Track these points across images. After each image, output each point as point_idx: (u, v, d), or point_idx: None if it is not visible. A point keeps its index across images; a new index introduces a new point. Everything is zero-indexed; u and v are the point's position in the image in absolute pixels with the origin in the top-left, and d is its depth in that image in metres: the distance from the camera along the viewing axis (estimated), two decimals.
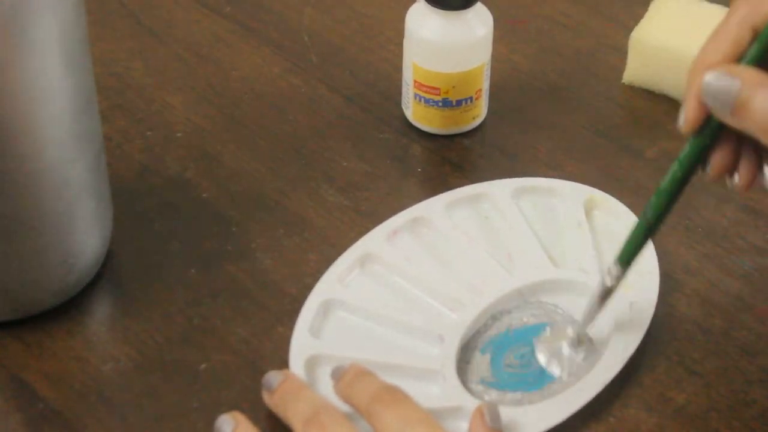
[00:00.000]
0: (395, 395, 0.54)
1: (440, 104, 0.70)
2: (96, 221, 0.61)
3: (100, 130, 0.60)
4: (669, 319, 0.62)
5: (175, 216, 0.66)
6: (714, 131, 0.52)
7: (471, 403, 0.57)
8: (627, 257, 0.56)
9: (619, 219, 0.65)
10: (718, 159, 0.53)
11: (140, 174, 0.69)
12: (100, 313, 0.62)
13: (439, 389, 0.58)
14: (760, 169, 0.53)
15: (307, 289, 0.62)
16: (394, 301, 0.62)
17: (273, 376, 0.57)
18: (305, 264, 0.64)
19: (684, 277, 0.64)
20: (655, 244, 0.64)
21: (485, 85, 0.71)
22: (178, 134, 0.71)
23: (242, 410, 0.56)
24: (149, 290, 0.63)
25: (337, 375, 0.56)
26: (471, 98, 0.70)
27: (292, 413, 0.55)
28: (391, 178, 0.69)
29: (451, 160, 0.70)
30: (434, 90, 0.70)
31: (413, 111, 0.71)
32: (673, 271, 0.64)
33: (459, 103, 0.70)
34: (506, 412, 0.56)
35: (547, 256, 0.63)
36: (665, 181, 0.54)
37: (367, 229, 0.65)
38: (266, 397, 0.57)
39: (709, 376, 0.59)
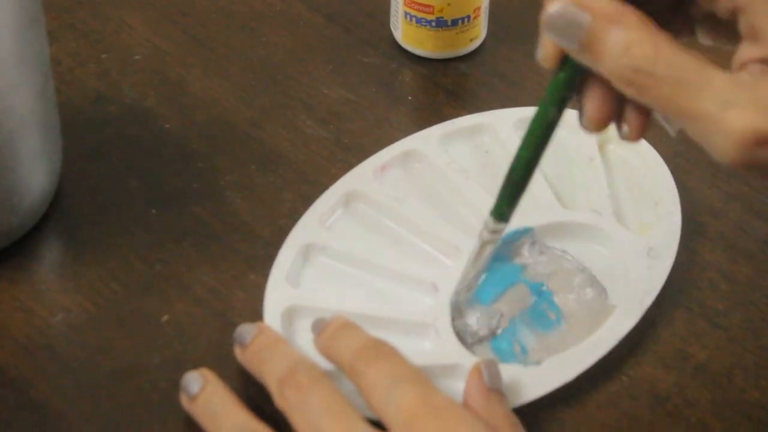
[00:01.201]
0: (382, 350, 0.53)
1: (434, 24, 0.70)
2: (43, 155, 0.60)
3: (48, 52, 0.60)
4: (690, 267, 0.61)
5: (134, 150, 0.66)
6: (576, 67, 0.49)
7: (468, 361, 0.56)
8: (500, 211, 0.55)
9: (637, 154, 0.65)
10: (592, 105, 0.50)
11: (94, 102, 0.68)
12: (49, 259, 0.62)
13: (432, 345, 0.58)
14: (649, 114, 0.51)
15: (283, 231, 0.62)
16: (382, 245, 0.61)
17: (246, 330, 0.56)
18: (280, 204, 0.64)
19: (707, 219, 0.64)
20: (674, 182, 0.63)
21: (484, 2, 0.70)
22: (137, 57, 0.71)
23: (209, 367, 0.56)
24: (104, 233, 0.62)
25: (318, 328, 0.56)
26: (468, 17, 0.70)
27: (267, 371, 0.54)
28: (377, 107, 0.69)
29: (446, 87, 0.70)
30: (427, 8, 0.69)
31: (403, 32, 0.71)
32: (695, 213, 0.64)
33: (455, 23, 0.70)
34: (508, 371, 0.56)
35: (555, 195, 0.63)
36: (530, 126, 0.52)
37: (350, 165, 0.65)
38: (238, 352, 0.56)
39: (734, 330, 0.59)
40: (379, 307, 0.59)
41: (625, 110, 0.50)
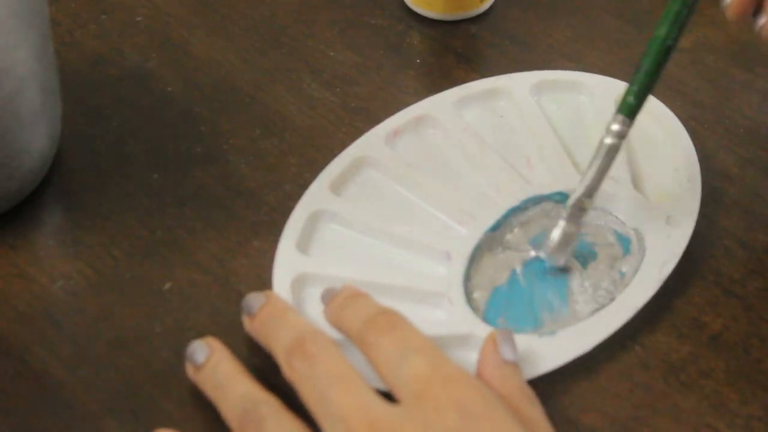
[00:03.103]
0: (392, 319, 0.52)
1: None
2: (42, 118, 0.60)
3: (47, 12, 0.59)
4: (705, 233, 0.60)
5: (135, 113, 0.65)
6: None
7: (481, 331, 0.55)
8: (630, 107, 0.55)
9: (655, 119, 0.63)
10: None
11: (94, 64, 0.68)
12: (49, 224, 0.61)
13: (444, 314, 0.57)
14: None
15: (288, 197, 0.61)
16: (394, 212, 0.61)
17: (254, 299, 0.55)
18: (285, 169, 0.63)
19: (723, 185, 0.63)
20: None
21: None
22: (138, 18, 0.70)
23: (213, 336, 0.55)
24: (105, 198, 0.62)
25: (328, 298, 0.55)
26: None
27: (275, 340, 0.53)
28: (385, 70, 0.68)
29: (456, 49, 0.69)
30: None
31: None
32: (711, 179, 0.62)
33: None
34: (523, 342, 0.55)
35: (572, 161, 0.62)
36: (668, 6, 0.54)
37: (356, 129, 0.64)
38: (246, 321, 0.55)
39: (749, 299, 0.58)
40: (391, 276, 0.58)
41: (765, 3, 0.52)
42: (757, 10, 0.53)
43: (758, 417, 0.54)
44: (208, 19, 0.70)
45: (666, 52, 0.55)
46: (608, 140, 0.56)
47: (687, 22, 0.54)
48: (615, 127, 0.56)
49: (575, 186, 0.57)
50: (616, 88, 0.65)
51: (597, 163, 0.57)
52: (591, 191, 0.57)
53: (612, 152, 0.56)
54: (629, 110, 0.56)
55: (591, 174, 0.57)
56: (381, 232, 0.59)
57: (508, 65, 0.67)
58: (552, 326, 0.56)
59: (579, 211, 0.57)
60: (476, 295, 0.58)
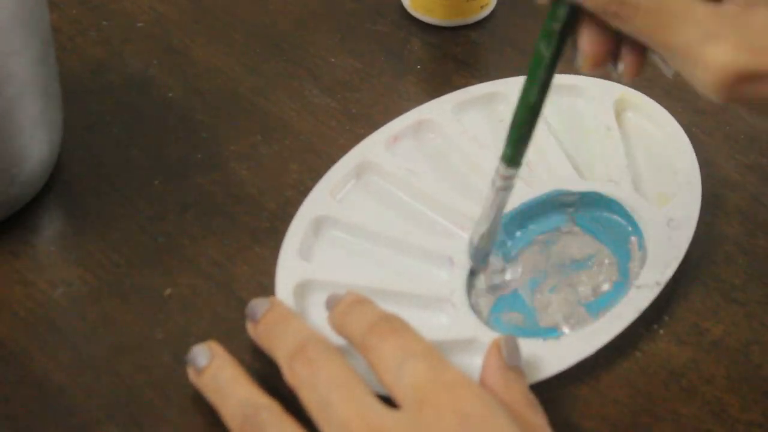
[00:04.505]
0: (393, 325, 0.52)
1: None
2: (43, 124, 0.59)
3: (48, 19, 0.59)
4: (705, 240, 0.60)
5: (136, 119, 0.65)
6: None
7: (485, 335, 0.55)
8: (509, 155, 0.54)
9: (655, 122, 0.63)
10: (586, 41, 0.50)
11: (95, 71, 0.68)
12: (49, 231, 0.61)
13: (448, 319, 0.57)
14: (645, 52, 0.50)
15: (289, 203, 0.61)
16: (395, 218, 0.61)
17: (258, 304, 0.55)
18: (286, 175, 0.63)
19: (723, 191, 0.62)
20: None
21: None
22: (139, 25, 0.70)
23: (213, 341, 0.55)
24: (106, 204, 0.62)
25: (332, 304, 0.55)
26: None
27: (277, 346, 0.53)
28: (386, 76, 0.68)
29: (456, 56, 0.69)
30: None
31: None
32: (712, 185, 0.62)
33: None
34: (527, 347, 0.54)
35: (572, 165, 0.62)
36: (530, 66, 0.52)
37: (357, 135, 0.64)
38: (250, 327, 0.55)
39: (750, 305, 0.58)
40: (394, 281, 0.58)
41: (621, 49, 0.50)
42: (614, 58, 0.51)
43: (759, 423, 0.54)
44: (209, 25, 0.70)
45: (526, 113, 0.53)
46: (498, 183, 0.55)
47: (544, 83, 0.53)
48: (502, 171, 0.55)
49: (574, 188, 0.58)
50: (613, 91, 0.65)
51: (491, 202, 0.56)
52: (487, 232, 0.57)
53: (503, 194, 0.56)
54: (510, 159, 0.54)
55: (488, 213, 0.56)
56: (383, 238, 0.59)
57: (508, 71, 0.67)
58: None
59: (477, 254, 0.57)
60: (480, 300, 0.57)
